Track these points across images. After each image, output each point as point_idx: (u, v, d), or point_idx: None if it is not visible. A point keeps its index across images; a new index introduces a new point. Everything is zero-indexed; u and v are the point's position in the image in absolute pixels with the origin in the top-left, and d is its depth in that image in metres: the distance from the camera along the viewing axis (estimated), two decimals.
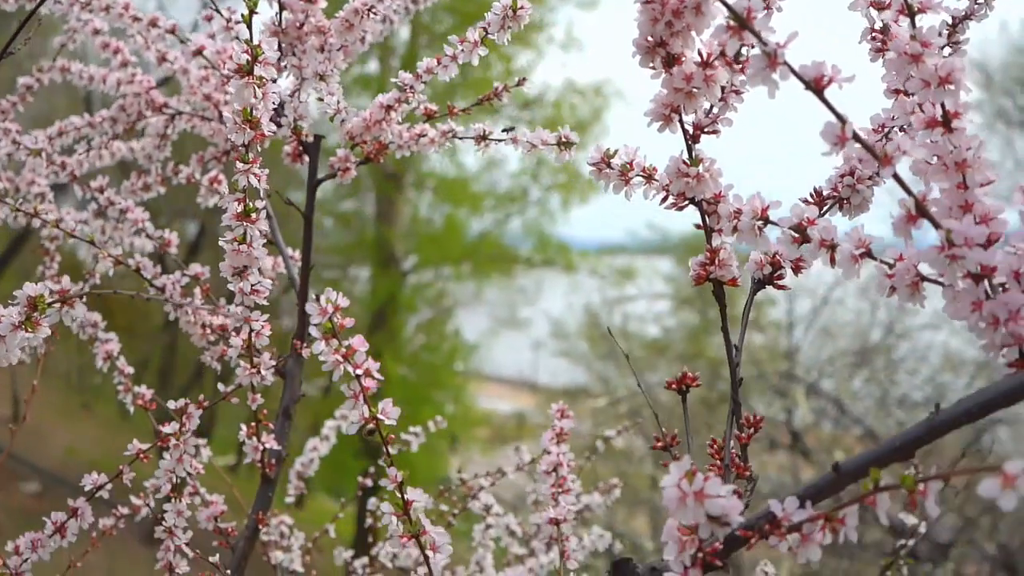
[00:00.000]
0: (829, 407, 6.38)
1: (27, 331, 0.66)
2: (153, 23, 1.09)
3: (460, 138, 0.95)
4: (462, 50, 0.88)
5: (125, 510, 1.11)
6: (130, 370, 1.09)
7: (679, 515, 0.50)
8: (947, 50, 0.71)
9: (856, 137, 0.49)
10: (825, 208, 0.68)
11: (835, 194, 0.67)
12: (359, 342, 0.61)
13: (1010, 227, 0.53)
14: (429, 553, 0.63)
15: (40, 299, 0.66)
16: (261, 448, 0.95)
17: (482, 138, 0.94)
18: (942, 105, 0.52)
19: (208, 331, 1.01)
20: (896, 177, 0.50)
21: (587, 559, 1.33)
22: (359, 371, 0.61)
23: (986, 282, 0.52)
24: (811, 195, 0.68)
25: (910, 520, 1.10)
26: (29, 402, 1.14)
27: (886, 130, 0.67)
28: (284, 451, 0.99)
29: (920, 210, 0.50)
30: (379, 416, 0.62)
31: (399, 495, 0.64)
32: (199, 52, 1.04)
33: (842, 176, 0.67)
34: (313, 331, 0.60)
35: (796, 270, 0.66)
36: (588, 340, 10.68)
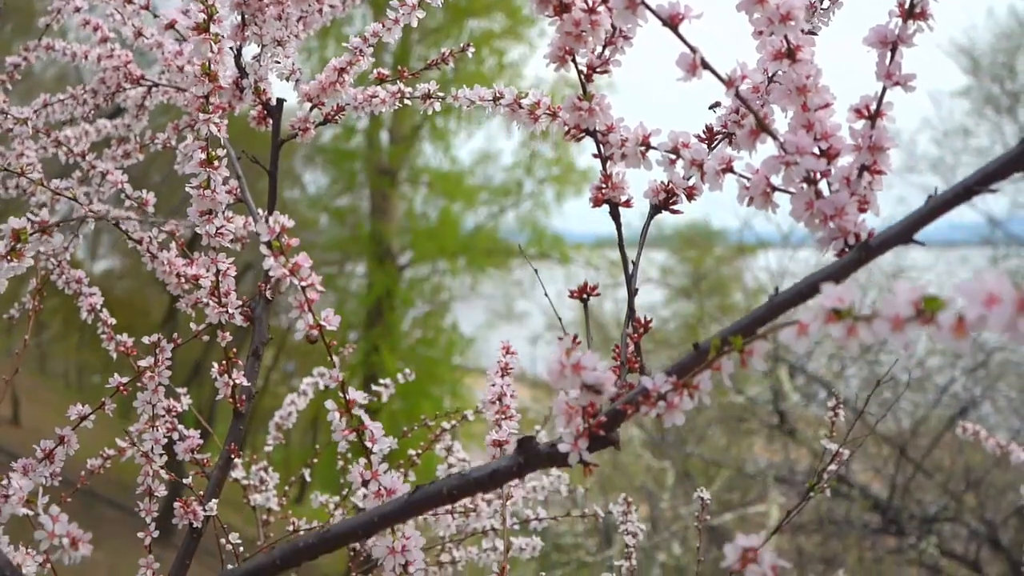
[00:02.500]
0: (818, 389, 6.50)
1: (12, 260, 0.76)
2: (128, 0, 1.17)
3: (408, 98, 1.05)
4: (403, 13, 0.97)
5: (111, 452, 1.20)
6: (112, 321, 1.18)
7: (559, 384, 0.59)
8: (826, 2, 0.81)
9: (704, 64, 0.58)
10: (716, 142, 0.77)
11: (724, 130, 0.76)
12: (303, 259, 0.70)
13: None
14: (368, 444, 0.73)
15: (23, 231, 0.75)
16: (231, 384, 1.04)
17: (427, 96, 1.03)
18: (785, 38, 0.61)
19: (183, 280, 1.10)
20: (739, 96, 0.59)
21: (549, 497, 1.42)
22: (304, 283, 0.70)
23: (825, 186, 0.61)
24: (703, 131, 0.77)
25: (831, 445, 1.19)
26: (18, 359, 1.23)
27: (769, 73, 0.77)
28: (253, 388, 1.08)
29: (761, 126, 0.60)
30: (322, 323, 0.71)
31: (341, 395, 0.73)
32: (171, 26, 1.13)
33: (730, 113, 0.76)
34: (263, 248, 0.69)
35: (689, 197, 0.75)
36: (582, 333, 10.74)
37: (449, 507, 1.16)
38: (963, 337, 0.40)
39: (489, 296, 12.37)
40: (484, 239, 11.84)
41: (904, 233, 0.55)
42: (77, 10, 1.28)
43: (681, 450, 6.53)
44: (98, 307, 1.19)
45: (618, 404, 0.62)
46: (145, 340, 0.97)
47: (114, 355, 1.15)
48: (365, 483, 0.73)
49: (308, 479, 1.47)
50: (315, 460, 1.53)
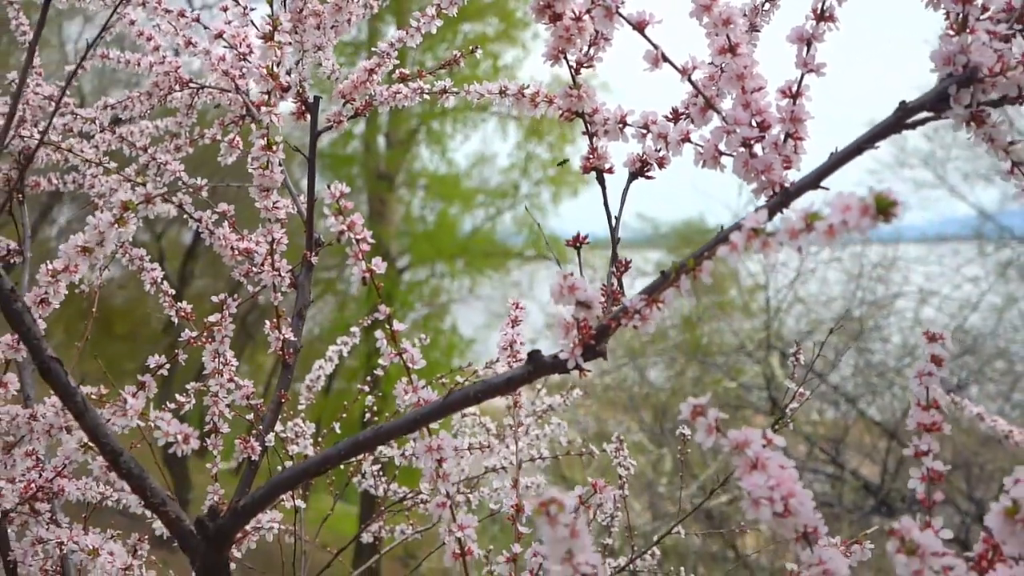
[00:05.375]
0: (807, 374, 6.71)
1: (120, 228, 0.94)
2: (181, 14, 1.36)
3: (427, 94, 1.24)
4: (424, 22, 1.16)
5: (173, 405, 1.39)
6: (172, 291, 1.37)
7: (559, 302, 0.77)
8: (767, 5, 1.00)
9: (664, 58, 0.77)
10: (680, 119, 0.95)
11: (686, 110, 0.95)
12: (358, 217, 0.89)
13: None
14: (409, 365, 0.92)
15: (130, 202, 0.93)
16: (282, 339, 1.23)
17: (443, 92, 1.22)
18: (727, 38, 0.80)
19: (235, 253, 1.29)
20: (691, 83, 0.78)
21: (549, 447, 1.61)
22: (358, 237, 0.89)
23: (759, 149, 0.80)
24: (671, 111, 0.96)
25: (791, 386, 1.38)
26: (89, 325, 1.42)
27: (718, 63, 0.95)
28: (299, 343, 1.26)
29: (708, 104, 0.78)
30: (372, 268, 0.90)
31: (388, 327, 0.92)
32: (220, 35, 1.32)
33: (690, 97, 0.95)
34: (326, 210, 0.88)
35: (660, 165, 0.94)
36: None
37: (467, 446, 1.35)
38: (832, 238, 0.59)
39: (488, 297, 12.54)
40: (482, 241, 12.03)
41: (813, 182, 0.74)
42: (132, 23, 1.47)
43: (679, 438, 6.72)
44: (159, 280, 1.38)
45: (605, 320, 0.81)
46: (214, 298, 1.16)
47: (175, 320, 1.33)
48: (406, 395, 0.91)
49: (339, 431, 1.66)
50: (344, 415, 1.71)
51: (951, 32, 0.71)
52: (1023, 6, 0.74)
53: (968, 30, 0.71)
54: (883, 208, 0.55)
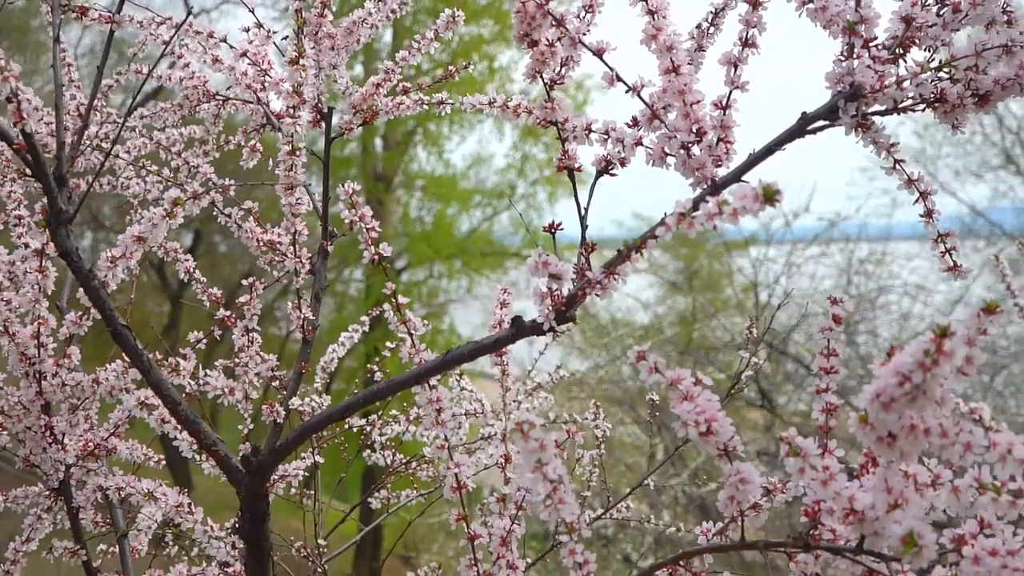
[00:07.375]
0: (798, 369, 6.92)
1: (169, 220, 1.13)
2: (210, 35, 1.55)
3: (428, 104, 1.42)
4: (423, 43, 1.35)
5: (225, 362, 1.57)
6: (204, 280, 1.55)
7: (535, 275, 0.96)
8: (712, 29, 1.18)
9: (618, 78, 0.96)
10: (639, 127, 1.14)
11: (640, 119, 1.13)
12: (367, 210, 1.08)
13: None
14: (413, 331, 1.10)
15: (179, 199, 1.12)
16: (302, 318, 1.42)
17: (441, 103, 1.41)
18: (671, 60, 0.99)
19: (260, 244, 1.47)
20: (640, 98, 0.97)
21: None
22: (368, 226, 1.08)
23: (696, 150, 0.99)
24: (631, 119, 1.14)
25: (745, 355, 1.57)
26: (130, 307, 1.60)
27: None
28: (315, 321, 1.45)
29: (654, 115, 0.97)
30: (380, 251, 1.08)
31: (394, 300, 1.10)
32: (244, 54, 1.50)
33: (643, 109, 1.14)
34: (341, 204, 1.07)
35: (622, 164, 1.12)
36: (579, 330, 11.10)
37: (464, 411, 1.53)
38: (736, 219, 0.77)
39: (485, 297, 12.71)
40: (479, 241, 12.20)
41: (735, 177, 0.93)
42: (165, 43, 1.65)
43: (670, 430, 6.92)
44: (192, 269, 1.56)
45: (573, 290, 0.99)
46: (244, 282, 1.34)
47: (207, 304, 1.52)
48: (411, 357, 1.10)
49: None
50: (355, 391, 1.88)
51: (841, 57, 0.90)
52: (903, 34, 0.93)
53: (854, 56, 0.89)
54: (769, 196, 0.74)
